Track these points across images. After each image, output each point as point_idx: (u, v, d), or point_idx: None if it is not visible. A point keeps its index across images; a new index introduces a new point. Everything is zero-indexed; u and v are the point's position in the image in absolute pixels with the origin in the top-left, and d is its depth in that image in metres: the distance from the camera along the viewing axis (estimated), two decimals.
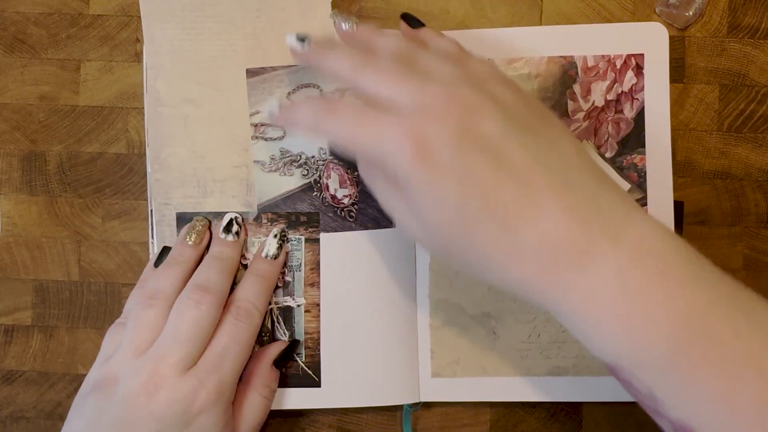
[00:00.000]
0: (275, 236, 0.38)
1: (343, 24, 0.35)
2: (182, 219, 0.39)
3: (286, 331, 0.40)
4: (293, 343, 0.39)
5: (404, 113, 0.29)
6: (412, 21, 0.36)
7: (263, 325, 0.40)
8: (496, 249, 0.28)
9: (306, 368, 0.40)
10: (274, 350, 0.39)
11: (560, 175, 0.28)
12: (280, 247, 0.38)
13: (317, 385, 0.40)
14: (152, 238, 0.39)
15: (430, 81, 0.29)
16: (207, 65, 0.39)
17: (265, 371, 0.38)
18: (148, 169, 0.39)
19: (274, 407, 0.39)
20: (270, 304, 0.40)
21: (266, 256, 0.38)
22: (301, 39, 0.34)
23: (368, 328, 0.40)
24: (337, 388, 0.40)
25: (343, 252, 0.40)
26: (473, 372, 0.40)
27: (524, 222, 0.28)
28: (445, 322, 0.40)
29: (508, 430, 0.42)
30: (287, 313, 0.40)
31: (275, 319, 0.40)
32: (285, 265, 0.39)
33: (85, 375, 0.42)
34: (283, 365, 0.39)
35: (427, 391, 0.40)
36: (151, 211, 0.39)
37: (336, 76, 0.32)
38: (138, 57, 0.42)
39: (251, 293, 0.37)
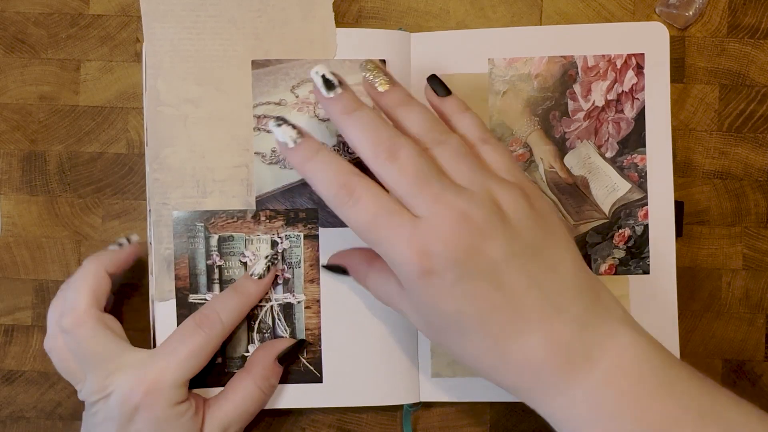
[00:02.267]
0: (266, 257, 0.38)
1: (377, 85, 0.33)
2: (179, 222, 0.39)
3: (287, 327, 0.40)
4: (300, 342, 0.39)
5: (416, 224, 0.30)
6: (438, 88, 0.35)
7: (264, 321, 0.40)
8: (486, 359, 0.31)
9: (307, 364, 0.40)
10: (280, 345, 0.39)
11: (553, 299, 0.30)
12: (267, 269, 0.38)
13: (319, 380, 0.40)
14: (151, 238, 0.39)
15: (445, 191, 0.30)
16: (207, 65, 0.39)
17: (267, 364, 0.38)
18: (147, 169, 0.39)
19: (275, 405, 0.39)
20: (270, 300, 0.40)
21: (252, 275, 0.38)
22: (330, 85, 0.32)
23: (369, 328, 0.40)
24: (339, 386, 0.40)
25: (343, 248, 0.40)
26: (473, 372, 0.40)
27: (513, 342, 0.30)
28: None
29: (508, 430, 0.42)
30: (288, 309, 0.40)
31: (276, 316, 0.40)
32: (272, 285, 0.39)
33: None
34: (288, 362, 0.39)
35: (427, 391, 0.40)
36: (150, 211, 0.39)
37: (356, 151, 0.32)
38: (138, 57, 0.42)
39: (222, 305, 0.37)
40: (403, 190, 0.30)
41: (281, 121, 0.33)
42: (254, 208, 0.39)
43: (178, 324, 0.39)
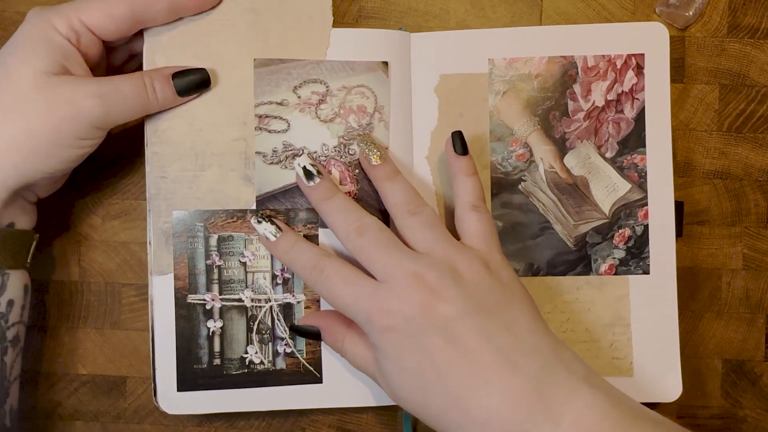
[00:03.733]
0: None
1: (370, 157, 0.38)
2: (179, 222, 0.39)
3: (286, 327, 0.40)
4: (205, 79, 0.38)
5: (377, 287, 0.34)
6: (457, 145, 0.38)
7: (263, 321, 0.40)
8: (450, 415, 0.32)
9: (307, 364, 0.40)
10: (177, 68, 0.38)
11: (508, 357, 0.31)
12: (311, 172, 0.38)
13: (319, 381, 0.40)
14: (150, 236, 0.39)
15: (404, 258, 0.34)
16: (205, 39, 0.39)
17: (163, 71, 0.37)
18: (146, 142, 0.39)
19: (275, 407, 0.39)
20: (269, 301, 0.40)
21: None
22: (310, 175, 0.37)
23: None
24: (338, 387, 0.40)
25: (342, 248, 0.40)
26: None
27: (473, 399, 0.31)
28: None
29: None
30: (287, 309, 0.40)
31: (275, 316, 0.40)
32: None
33: (84, 375, 0.42)
34: (182, 88, 0.38)
35: None
36: (150, 211, 0.39)
37: (333, 231, 0.37)
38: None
39: None
40: (368, 259, 0.35)
41: (261, 218, 0.38)
42: (252, 181, 0.39)
43: (177, 325, 0.39)
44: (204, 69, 0.38)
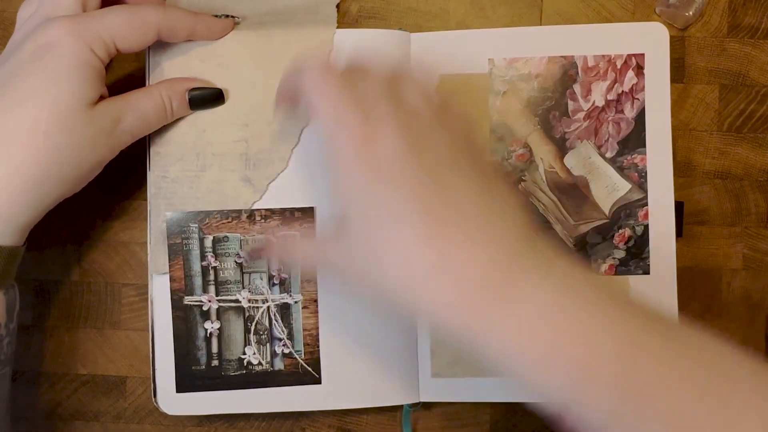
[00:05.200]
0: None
1: None
2: (173, 223, 0.39)
3: (284, 328, 0.40)
4: (219, 93, 0.38)
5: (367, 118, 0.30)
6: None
7: (261, 322, 0.40)
8: (417, 263, 0.28)
9: (306, 365, 0.40)
10: (200, 83, 0.38)
11: (492, 210, 0.29)
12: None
13: (318, 381, 0.40)
14: (150, 237, 0.39)
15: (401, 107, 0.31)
16: (210, 42, 0.39)
17: (178, 87, 0.37)
18: (149, 143, 0.39)
19: (274, 408, 0.39)
20: (266, 301, 0.40)
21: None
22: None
23: (368, 328, 0.40)
24: (337, 387, 0.40)
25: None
26: (473, 372, 0.40)
27: (451, 242, 0.27)
28: (547, 406, 0.40)
29: (508, 430, 0.42)
30: (285, 309, 0.40)
31: (272, 316, 0.40)
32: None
33: (84, 375, 0.42)
34: (196, 102, 0.38)
35: (427, 391, 0.40)
36: (150, 211, 0.39)
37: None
38: (139, 54, 0.42)
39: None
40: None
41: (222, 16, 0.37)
42: (252, 182, 0.39)
43: (174, 326, 0.39)
44: (219, 88, 0.38)
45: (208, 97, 0.38)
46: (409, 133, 0.30)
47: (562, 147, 0.40)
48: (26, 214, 0.34)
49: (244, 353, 0.39)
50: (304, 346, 0.40)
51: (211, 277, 0.39)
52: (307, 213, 0.40)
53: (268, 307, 0.40)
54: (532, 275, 0.27)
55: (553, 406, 0.27)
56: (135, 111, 0.36)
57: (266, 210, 0.39)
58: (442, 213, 0.28)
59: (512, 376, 0.27)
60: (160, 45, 0.38)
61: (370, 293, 0.31)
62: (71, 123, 0.33)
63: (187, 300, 0.39)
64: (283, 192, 0.39)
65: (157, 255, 0.39)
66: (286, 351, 0.40)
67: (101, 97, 0.35)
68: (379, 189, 0.29)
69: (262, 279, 0.40)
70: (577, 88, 0.40)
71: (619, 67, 0.40)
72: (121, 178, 0.42)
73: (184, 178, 0.39)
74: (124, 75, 0.42)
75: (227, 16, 0.38)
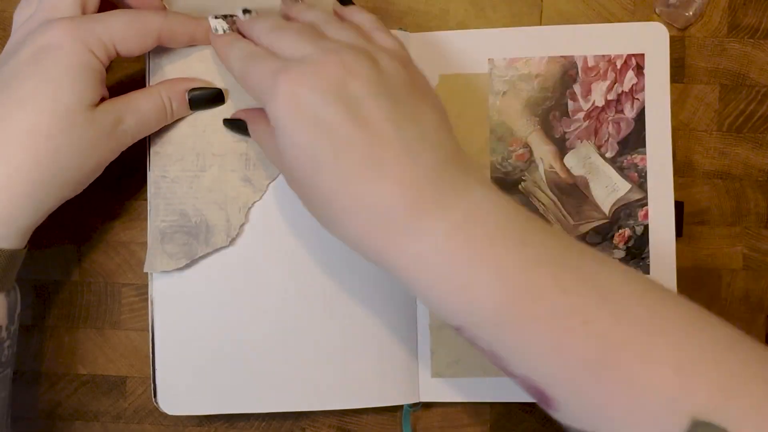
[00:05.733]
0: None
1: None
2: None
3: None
4: (219, 94, 0.38)
5: (291, 63, 0.31)
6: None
7: None
8: (337, 200, 0.30)
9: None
10: (200, 84, 0.38)
11: (410, 146, 0.30)
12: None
13: (318, 381, 0.40)
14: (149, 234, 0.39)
15: (325, 43, 0.32)
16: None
17: (178, 87, 0.37)
18: (149, 143, 0.39)
19: (274, 409, 0.39)
20: None
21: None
22: (247, 11, 0.36)
23: (368, 328, 0.40)
24: (338, 387, 0.40)
25: (342, 249, 0.40)
26: (473, 372, 0.40)
27: (364, 182, 0.29)
28: (446, 323, 0.40)
29: (508, 430, 0.42)
30: None
31: None
32: None
33: (84, 375, 0.42)
34: (196, 103, 0.38)
35: (427, 391, 0.40)
36: (150, 212, 0.39)
37: (256, 39, 0.34)
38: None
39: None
40: (290, 45, 0.32)
41: (220, 16, 0.36)
42: (252, 182, 0.39)
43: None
44: (218, 88, 0.38)
45: (208, 97, 0.38)
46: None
47: (562, 147, 0.40)
48: (28, 217, 0.34)
49: None
50: None
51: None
52: None
53: None
54: (435, 210, 0.29)
55: (450, 322, 0.30)
56: (135, 112, 0.36)
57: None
58: (364, 155, 0.30)
59: (419, 299, 0.31)
60: (161, 48, 0.38)
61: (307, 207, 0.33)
62: (72, 124, 0.33)
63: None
64: (284, 192, 0.39)
65: (152, 254, 0.39)
66: None
67: (102, 99, 0.35)
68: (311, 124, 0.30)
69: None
70: (577, 88, 0.40)
71: (619, 67, 0.40)
72: (121, 178, 0.42)
73: (184, 178, 0.39)
74: (124, 76, 0.42)
75: (226, 16, 0.38)
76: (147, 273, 0.40)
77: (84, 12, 0.35)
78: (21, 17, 0.36)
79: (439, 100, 0.33)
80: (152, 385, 0.39)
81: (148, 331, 0.39)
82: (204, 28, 0.37)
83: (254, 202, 0.39)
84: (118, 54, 0.35)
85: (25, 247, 0.35)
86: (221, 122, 0.39)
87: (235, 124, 0.38)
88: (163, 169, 0.39)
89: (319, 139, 0.30)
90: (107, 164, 0.36)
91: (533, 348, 0.28)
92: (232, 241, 0.39)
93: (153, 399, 0.39)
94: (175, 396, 0.39)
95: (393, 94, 0.31)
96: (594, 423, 0.28)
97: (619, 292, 0.28)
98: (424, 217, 0.29)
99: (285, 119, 0.30)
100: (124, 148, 0.36)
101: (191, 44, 0.38)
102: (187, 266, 0.39)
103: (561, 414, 0.28)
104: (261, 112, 0.36)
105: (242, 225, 0.39)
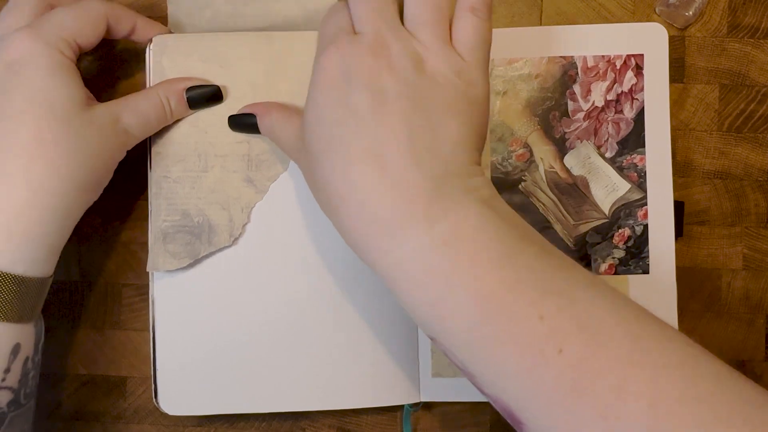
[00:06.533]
0: None
1: None
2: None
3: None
4: (217, 93, 0.38)
5: (347, 35, 0.31)
6: None
7: None
8: (334, 184, 0.30)
9: None
10: (197, 82, 0.38)
11: (417, 153, 0.30)
12: None
13: (318, 381, 0.40)
14: (150, 234, 0.39)
15: (388, 26, 0.31)
16: (211, 42, 0.39)
17: (176, 86, 0.38)
18: (150, 143, 0.39)
19: (274, 409, 0.39)
20: None
21: None
22: None
23: (368, 328, 0.40)
24: (338, 387, 0.40)
25: (341, 250, 0.40)
26: None
27: (362, 175, 0.29)
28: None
29: (508, 430, 0.42)
30: None
31: None
32: None
33: (84, 375, 0.42)
34: (195, 102, 0.38)
35: (427, 391, 0.40)
36: (151, 212, 0.39)
37: None
38: (139, 56, 0.42)
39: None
40: (361, 7, 0.32)
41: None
42: (254, 182, 0.39)
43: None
44: (216, 86, 0.38)
45: (206, 95, 0.38)
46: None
47: (561, 147, 0.40)
48: (56, 234, 0.34)
49: None
50: None
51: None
52: None
53: None
54: (423, 220, 0.29)
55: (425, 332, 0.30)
56: (133, 110, 0.36)
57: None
58: (371, 148, 0.30)
59: (394, 295, 0.30)
60: (162, 46, 0.38)
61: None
62: (73, 125, 0.33)
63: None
64: (284, 193, 0.39)
65: (155, 254, 0.39)
66: None
67: (90, 98, 0.35)
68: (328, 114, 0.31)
69: None
70: (576, 88, 0.40)
71: (618, 67, 0.40)
72: (122, 178, 0.42)
73: (186, 178, 0.39)
74: (124, 75, 0.42)
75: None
76: (147, 273, 0.40)
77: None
78: None
79: (479, 116, 0.32)
80: (152, 385, 0.39)
81: (148, 331, 0.39)
82: (142, 18, 0.38)
83: (256, 203, 0.39)
84: (80, 48, 0.35)
85: (51, 276, 0.35)
86: (223, 123, 0.39)
87: (241, 121, 0.38)
88: (165, 170, 0.39)
89: (339, 116, 0.30)
90: (116, 164, 0.36)
91: (505, 369, 0.27)
92: (235, 241, 0.39)
93: (153, 399, 0.39)
94: (176, 396, 0.39)
95: (420, 99, 0.30)
96: None
97: (603, 321, 0.27)
98: (411, 225, 0.29)
99: (317, 83, 0.31)
100: (128, 147, 0.37)
101: (132, 33, 0.38)
102: (188, 266, 0.39)
103: None
104: (269, 104, 0.37)
105: (245, 225, 0.39)
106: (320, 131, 0.31)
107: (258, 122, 0.37)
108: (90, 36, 0.35)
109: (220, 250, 0.39)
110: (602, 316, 0.27)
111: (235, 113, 0.39)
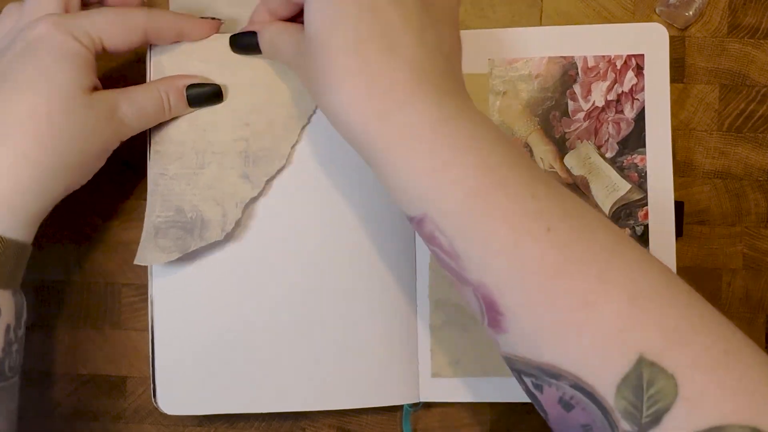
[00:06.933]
0: None
1: None
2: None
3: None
4: (218, 91, 0.39)
5: None
6: None
7: None
8: (344, 58, 0.30)
9: None
10: (197, 80, 0.38)
11: (427, 47, 0.30)
12: None
13: (318, 382, 0.40)
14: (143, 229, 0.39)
15: None
16: (209, 42, 0.39)
17: (177, 83, 0.38)
18: (149, 141, 0.39)
19: (274, 409, 0.39)
20: None
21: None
22: None
23: (368, 328, 0.40)
24: (338, 387, 0.40)
25: (341, 250, 0.40)
26: (473, 372, 0.40)
27: (377, 52, 0.29)
28: (445, 322, 0.40)
29: (508, 430, 0.42)
30: None
31: None
32: None
33: (84, 375, 0.42)
34: (195, 100, 0.38)
35: (427, 391, 0.40)
36: (147, 207, 0.39)
37: None
38: (140, 56, 0.42)
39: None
40: None
41: None
42: (250, 178, 0.39)
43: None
44: (217, 85, 0.38)
45: (206, 94, 0.38)
46: None
47: (562, 147, 0.40)
48: (35, 204, 0.34)
49: None
50: None
51: None
52: None
53: None
54: (435, 94, 0.29)
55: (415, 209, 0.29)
56: (132, 101, 0.36)
57: None
58: (384, 31, 0.30)
59: (387, 183, 0.30)
60: (160, 46, 0.38)
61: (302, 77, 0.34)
62: (71, 106, 0.34)
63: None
64: (285, 193, 0.39)
65: (145, 247, 0.38)
66: None
67: (95, 89, 0.35)
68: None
69: None
70: (577, 88, 0.40)
71: (618, 67, 0.40)
72: (122, 178, 0.42)
73: (183, 175, 0.39)
74: (125, 76, 0.42)
75: (213, 18, 0.39)
76: (147, 273, 0.40)
77: (67, 12, 0.36)
78: (4, 27, 0.36)
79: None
80: (152, 385, 0.39)
81: (148, 331, 0.39)
82: (190, 22, 0.38)
83: (251, 198, 0.39)
84: (105, 49, 0.36)
85: (31, 244, 0.35)
86: (222, 122, 0.39)
87: (242, 42, 0.38)
88: (163, 167, 0.39)
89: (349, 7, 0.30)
90: (108, 153, 0.36)
91: (493, 245, 0.27)
92: (227, 236, 0.39)
93: (153, 399, 0.39)
94: (175, 396, 0.39)
95: (430, 4, 0.31)
96: (540, 345, 0.27)
97: (586, 213, 0.29)
98: (423, 97, 0.29)
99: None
100: (123, 138, 0.36)
101: (179, 39, 0.38)
102: (187, 266, 0.39)
103: (507, 336, 0.28)
104: (266, 21, 0.37)
105: (238, 220, 0.39)
106: (332, 10, 0.30)
107: (258, 38, 0.37)
108: (118, 42, 0.36)
109: (211, 244, 0.39)
110: (585, 209, 0.29)
111: (235, 34, 0.38)
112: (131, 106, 0.36)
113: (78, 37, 0.34)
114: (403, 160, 0.29)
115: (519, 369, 0.29)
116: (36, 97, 0.33)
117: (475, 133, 0.29)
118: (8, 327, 0.34)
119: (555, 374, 0.27)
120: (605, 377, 0.26)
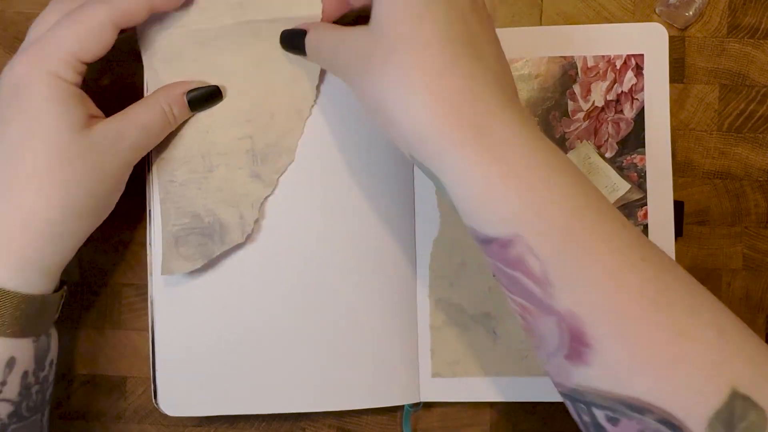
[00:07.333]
0: None
1: None
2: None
3: None
4: (216, 91, 0.38)
5: None
6: None
7: None
8: (428, 77, 0.28)
9: None
10: (194, 85, 0.38)
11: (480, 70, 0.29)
12: None
13: (318, 382, 0.40)
14: (150, 237, 0.39)
15: None
16: (199, 41, 0.38)
17: (176, 92, 0.37)
18: (152, 150, 0.39)
19: (274, 410, 0.39)
20: None
21: None
22: None
23: (368, 328, 0.40)
24: (338, 387, 0.40)
25: (341, 250, 0.40)
26: (473, 372, 0.40)
27: (470, 62, 0.28)
28: (445, 322, 0.40)
29: (509, 430, 0.42)
30: None
31: None
32: None
33: (84, 375, 0.42)
34: (195, 104, 0.38)
35: (427, 391, 0.40)
36: (150, 211, 0.39)
37: None
38: (138, 56, 0.42)
39: None
40: None
41: None
42: (262, 177, 0.38)
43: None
44: (215, 85, 0.38)
45: (206, 96, 0.38)
46: None
47: (561, 147, 0.40)
48: (52, 257, 0.34)
49: None
50: None
51: None
52: None
53: None
54: (516, 113, 0.28)
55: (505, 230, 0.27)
56: (137, 125, 0.35)
57: None
58: (466, 31, 0.29)
59: (467, 205, 0.28)
60: (152, 50, 0.38)
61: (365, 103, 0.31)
62: (71, 154, 0.33)
63: None
64: (285, 193, 0.39)
65: (169, 259, 0.38)
66: None
67: (94, 117, 0.35)
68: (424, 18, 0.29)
69: None
70: (576, 88, 0.40)
71: (618, 67, 0.40)
72: None
73: (192, 181, 0.38)
74: (121, 86, 0.42)
75: None
76: (147, 273, 0.40)
77: None
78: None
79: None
80: (152, 385, 0.39)
81: (148, 331, 0.39)
82: None
83: (266, 197, 0.39)
84: (85, 63, 0.34)
85: (60, 290, 0.35)
86: (222, 122, 0.39)
87: (291, 42, 0.37)
88: (170, 174, 0.38)
89: (415, 30, 0.28)
90: (125, 182, 0.36)
91: (593, 271, 0.26)
92: (248, 237, 0.39)
93: (153, 400, 0.39)
94: (175, 397, 0.39)
95: (475, 19, 0.30)
96: (630, 378, 0.26)
97: (651, 241, 0.28)
98: (511, 114, 0.28)
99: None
100: (135, 162, 0.36)
101: (152, 12, 0.35)
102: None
103: (589, 369, 0.26)
104: (316, 23, 0.36)
105: (256, 220, 0.39)
106: (415, 3, 0.29)
107: (307, 37, 0.35)
108: (94, 49, 0.34)
109: (234, 248, 0.39)
110: (650, 243, 0.28)
111: (288, 29, 0.37)
112: (137, 130, 0.35)
113: (57, 72, 0.33)
114: (494, 176, 0.27)
115: (592, 402, 0.27)
116: (33, 154, 0.32)
117: (560, 153, 0.28)
118: (25, 373, 0.34)
119: (641, 408, 0.26)
120: (698, 411, 0.25)
